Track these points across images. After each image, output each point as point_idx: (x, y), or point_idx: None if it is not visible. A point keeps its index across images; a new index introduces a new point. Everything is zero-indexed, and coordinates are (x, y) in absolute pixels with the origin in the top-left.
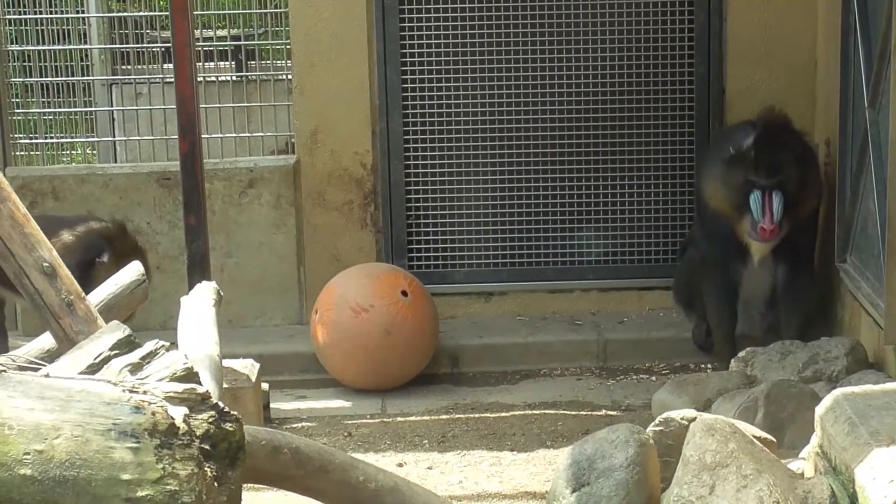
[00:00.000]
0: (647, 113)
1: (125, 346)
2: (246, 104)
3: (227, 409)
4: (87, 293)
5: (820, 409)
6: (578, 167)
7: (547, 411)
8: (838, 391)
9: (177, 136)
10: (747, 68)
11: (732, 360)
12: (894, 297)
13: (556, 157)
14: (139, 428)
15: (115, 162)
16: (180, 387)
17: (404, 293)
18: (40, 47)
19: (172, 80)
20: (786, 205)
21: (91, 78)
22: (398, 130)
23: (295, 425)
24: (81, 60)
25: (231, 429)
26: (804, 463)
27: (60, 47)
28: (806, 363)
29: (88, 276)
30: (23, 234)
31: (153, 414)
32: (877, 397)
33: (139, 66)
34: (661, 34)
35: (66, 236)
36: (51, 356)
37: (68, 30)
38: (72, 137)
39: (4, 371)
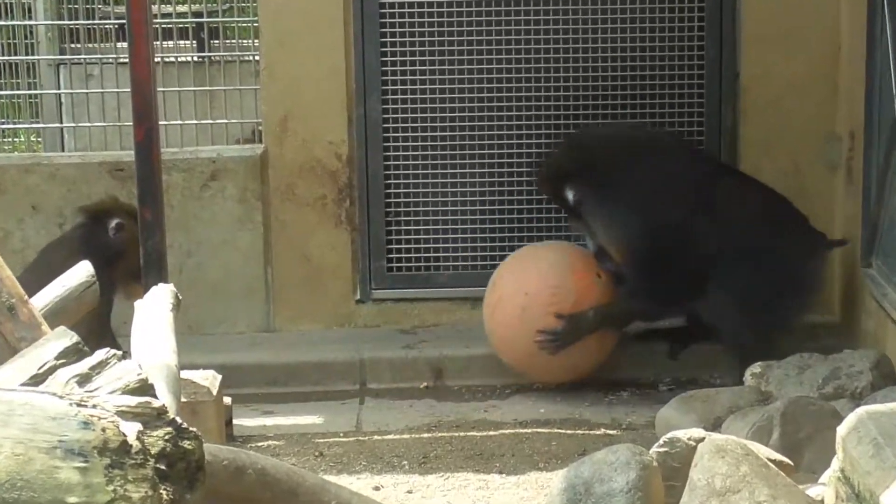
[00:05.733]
0: (652, 100)
1: (73, 354)
2: (208, 88)
3: (185, 425)
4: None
5: (842, 430)
6: None
7: (539, 430)
8: (862, 409)
9: (131, 123)
10: (763, 51)
11: (747, 373)
12: None
13: (550, 150)
14: (88, 445)
15: (63, 151)
16: (134, 400)
17: (598, 276)
18: None
19: (127, 60)
20: None
21: (36, 57)
22: (377, 118)
23: (260, 443)
24: (25, 38)
25: (190, 447)
26: (824, 489)
27: (2, 23)
28: (826, 378)
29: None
30: None
31: (103, 430)
32: None
33: (90, 45)
34: (669, 13)
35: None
36: None
37: (10, 4)
38: (14, 123)
39: None
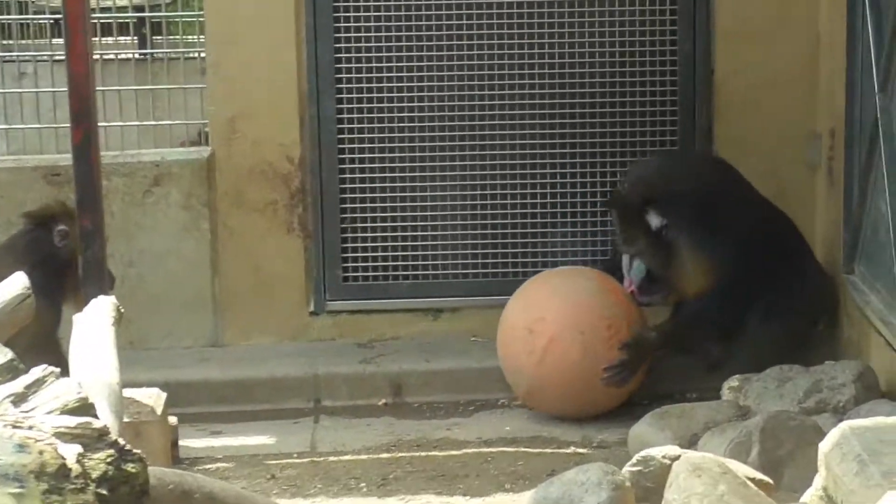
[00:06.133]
0: (622, 98)
1: (7, 372)
2: (151, 87)
3: (128, 446)
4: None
5: (824, 446)
6: (544, 161)
7: (506, 448)
8: (845, 424)
9: (68, 124)
10: (739, 46)
11: (725, 386)
12: None
13: (517, 150)
14: (23, 469)
15: None
16: (73, 421)
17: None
18: None
19: (63, 57)
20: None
21: None
22: (331, 118)
23: (208, 466)
24: None
25: (133, 470)
26: None
27: None
28: (808, 391)
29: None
30: None
31: (40, 453)
32: (890, 431)
33: (23, 41)
34: (640, 6)
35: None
36: None
37: None
38: None
39: None
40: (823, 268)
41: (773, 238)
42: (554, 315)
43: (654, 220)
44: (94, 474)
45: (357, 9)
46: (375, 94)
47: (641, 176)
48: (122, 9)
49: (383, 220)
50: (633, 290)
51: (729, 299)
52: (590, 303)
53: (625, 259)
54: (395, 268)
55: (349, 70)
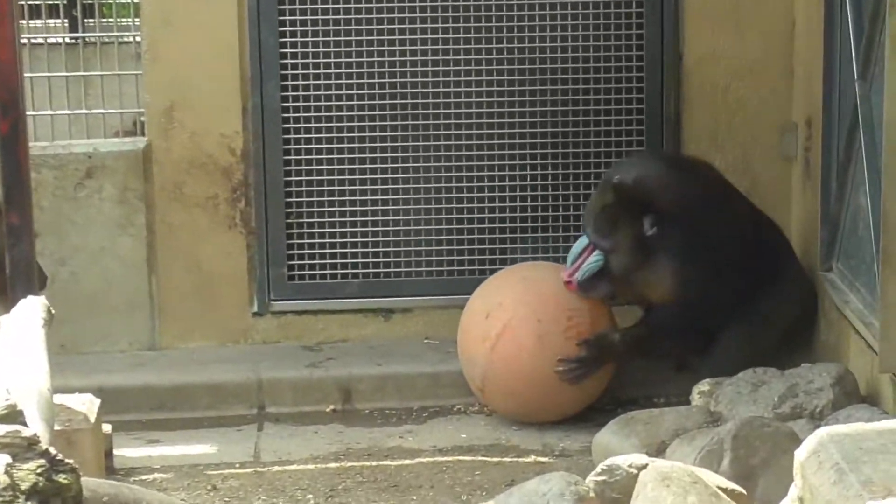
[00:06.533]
0: (586, 85)
1: None
2: (83, 73)
3: (59, 456)
4: None
5: (800, 454)
6: (502, 153)
7: (462, 457)
8: (823, 431)
9: None
10: (709, 31)
11: (695, 391)
12: (891, 312)
13: (473, 142)
14: None
15: None
16: (1, 430)
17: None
18: None
19: None
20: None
21: None
22: (275, 107)
23: (145, 476)
24: None
25: (65, 481)
26: None
27: None
28: (783, 396)
29: None
30: None
31: None
32: (870, 438)
33: None
34: None
35: None
36: None
37: None
38: None
39: None
40: (805, 271)
41: (757, 246)
42: (512, 301)
43: (648, 227)
44: (24, 486)
45: None
46: (323, 81)
47: (646, 179)
48: None
49: (331, 215)
50: (570, 279)
51: (705, 310)
52: (554, 293)
53: (577, 246)
54: (344, 266)
55: (294, 55)
